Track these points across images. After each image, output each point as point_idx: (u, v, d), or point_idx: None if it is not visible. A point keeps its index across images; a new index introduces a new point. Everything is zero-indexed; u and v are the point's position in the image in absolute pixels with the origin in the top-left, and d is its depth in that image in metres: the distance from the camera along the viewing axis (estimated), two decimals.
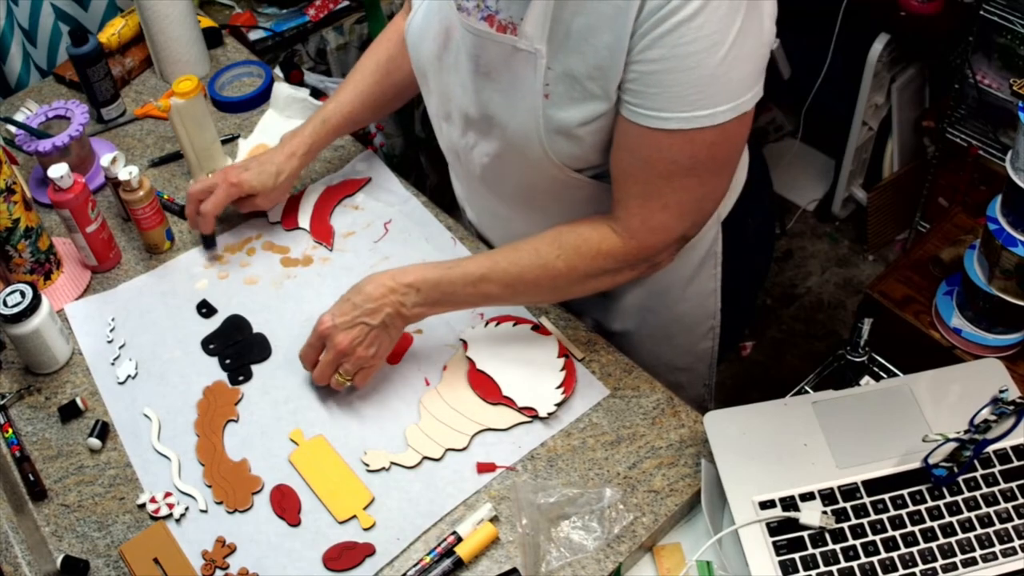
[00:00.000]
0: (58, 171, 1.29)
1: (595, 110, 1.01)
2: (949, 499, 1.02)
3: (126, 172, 1.34)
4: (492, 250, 1.15)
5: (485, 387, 1.20)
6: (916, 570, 0.97)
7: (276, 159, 1.35)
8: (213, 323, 1.32)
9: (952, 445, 1.03)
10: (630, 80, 0.97)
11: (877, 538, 1.00)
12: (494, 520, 1.09)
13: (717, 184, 1.06)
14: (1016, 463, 1.04)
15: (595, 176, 1.11)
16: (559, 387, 1.18)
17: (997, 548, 0.98)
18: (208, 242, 1.39)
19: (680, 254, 1.20)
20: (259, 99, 1.65)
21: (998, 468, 1.04)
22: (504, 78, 1.05)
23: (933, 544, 0.99)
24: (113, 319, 1.33)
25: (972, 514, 1.01)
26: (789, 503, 1.02)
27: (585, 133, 1.04)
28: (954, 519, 1.00)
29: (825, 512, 1.01)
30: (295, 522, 1.10)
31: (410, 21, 1.18)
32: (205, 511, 1.13)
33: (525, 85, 1.03)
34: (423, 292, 1.13)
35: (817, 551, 0.99)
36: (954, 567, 0.97)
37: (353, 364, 1.15)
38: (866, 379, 1.23)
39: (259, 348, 1.28)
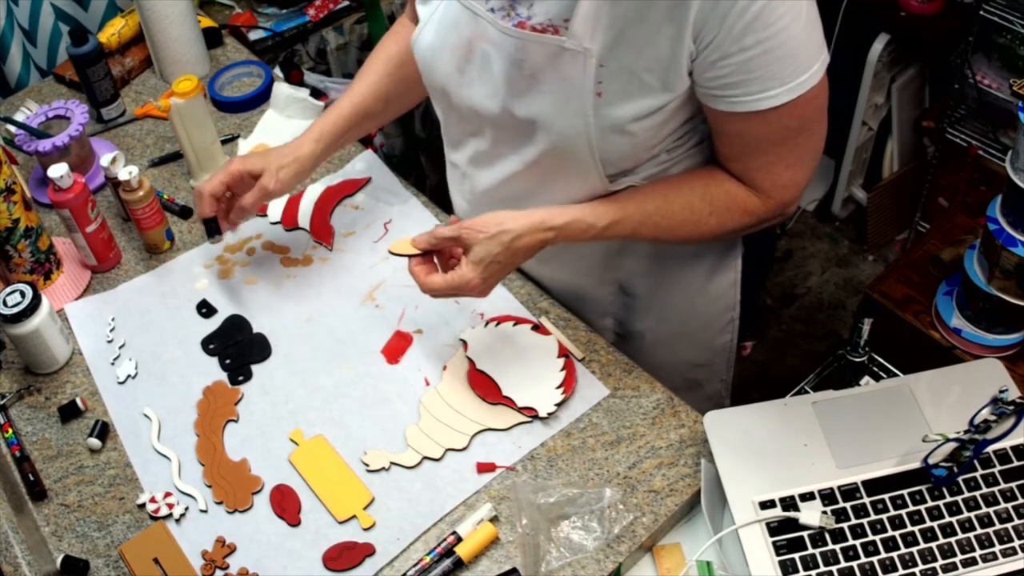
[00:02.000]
0: (58, 171, 1.29)
1: (651, 104, 1.02)
2: (949, 499, 1.02)
3: (126, 172, 1.34)
4: (637, 197, 1.10)
5: (485, 387, 1.20)
6: (916, 570, 0.97)
7: (285, 149, 1.27)
8: (213, 323, 1.32)
9: (952, 445, 1.03)
10: (725, 75, 0.97)
11: (877, 538, 1.00)
12: (494, 520, 1.09)
13: (823, 127, 1.08)
14: (1016, 463, 1.04)
15: (625, 179, 1.11)
16: (559, 387, 1.18)
17: (997, 548, 0.98)
18: (211, 228, 1.28)
19: (701, 247, 1.24)
20: (259, 99, 1.65)
21: (998, 468, 1.04)
22: (550, 79, 1.04)
23: (933, 544, 0.99)
24: (113, 319, 1.33)
25: (972, 514, 1.01)
26: (789, 503, 1.02)
27: (639, 129, 1.04)
28: (954, 519, 1.00)
29: (825, 512, 1.01)
30: (295, 522, 1.10)
31: (418, 38, 1.15)
32: (205, 511, 1.13)
33: (574, 85, 1.02)
34: (567, 242, 1.12)
35: (817, 551, 0.99)
36: (954, 567, 0.97)
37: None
38: (866, 379, 1.23)
39: (259, 348, 1.28)
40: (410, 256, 1.12)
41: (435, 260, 1.14)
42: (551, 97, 1.04)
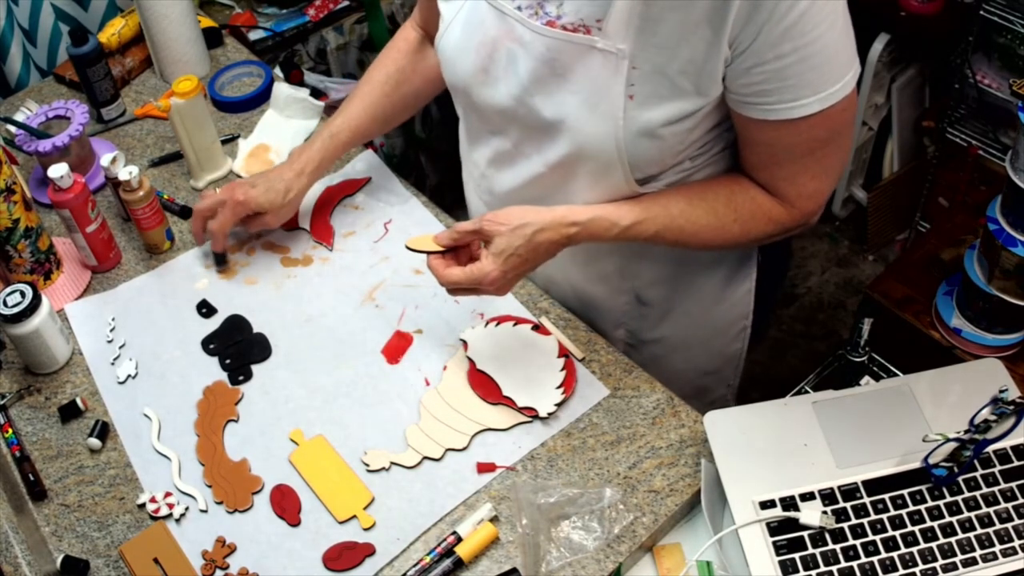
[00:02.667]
0: (58, 171, 1.29)
1: (683, 108, 1.01)
2: (949, 499, 1.02)
3: (126, 172, 1.34)
4: (661, 199, 1.09)
5: (485, 387, 1.20)
6: (916, 570, 0.97)
7: (285, 176, 1.32)
8: (213, 323, 1.32)
9: (952, 445, 1.03)
10: (759, 82, 0.97)
11: (877, 538, 1.00)
12: (494, 520, 1.09)
13: (850, 140, 1.08)
14: (1016, 463, 1.04)
15: (649, 185, 1.11)
16: (559, 387, 1.18)
17: (997, 548, 0.98)
18: (220, 259, 1.37)
19: (718, 255, 1.24)
20: (259, 99, 1.65)
21: (998, 468, 1.04)
22: (580, 80, 1.03)
23: (933, 544, 0.99)
24: (113, 319, 1.33)
25: (972, 514, 1.01)
26: (789, 503, 1.02)
27: (669, 133, 1.03)
28: (954, 519, 1.00)
29: (825, 512, 1.01)
30: (295, 522, 1.10)
31: (443, 38, 1.14)
32: (205, 511, 1.13)
33: (604, 86, 1.01)
34: (589, 241, 1.10)
35: (817, 551, 0.99)
36: (954, 567, 0.97)
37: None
38: (866, 379, 1.23)
39: (259, 348, 1.28)
40: (428, 252, 1.11)
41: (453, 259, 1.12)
42: (580, 98, 1.03)
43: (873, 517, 1.01)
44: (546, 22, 1.02)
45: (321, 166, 1.34)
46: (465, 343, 1.24)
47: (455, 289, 1.10)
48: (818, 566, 0.98)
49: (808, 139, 1.02)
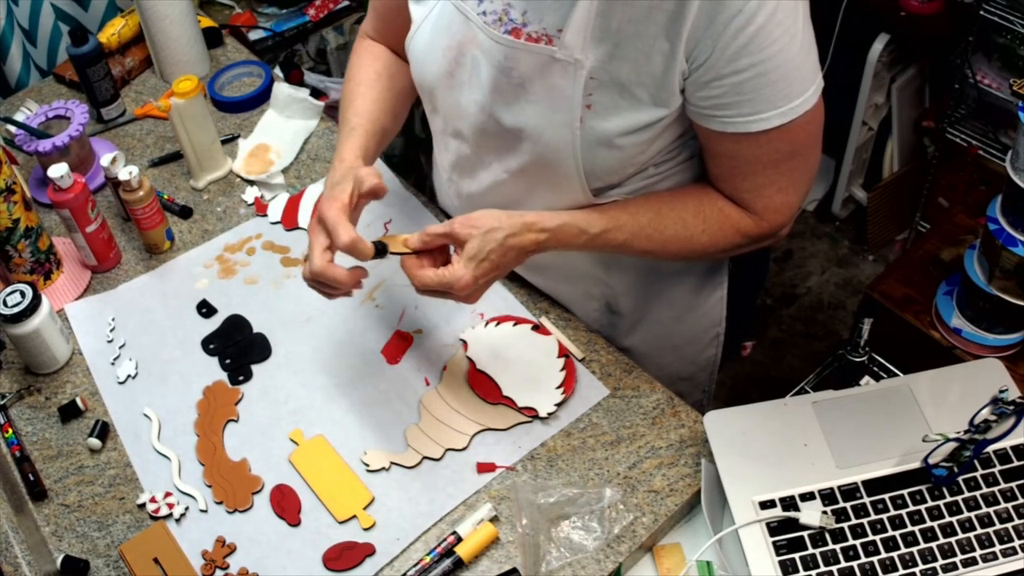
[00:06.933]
0: (58, 171, 1.29)
1: (641, 119, 1.01)
2: (949, 499, 1.02)
3: (126, 172, 1.34)
4: (630, 208, 1.09)
5: (485, 387, 1.20)
6: (916, 570, 0.97)
7: (339, 169, 1.13)
8: (213, 323, 1.32)
9: (952, 445, 1.03)
10: (718, 96, 0.97)
11: (877, 538, 1.00)
12: (494, 520, 1.09)
13: (817, 153, 1.07)
14: (1016, 463, 1.04)
15: (611, 192, 1.11)
16: (559, 387, 1.18)
17: (997, 548, 0.98)
18: (380, 250, 1.08)
19: (687, 265, 1.23)
20: (259, 99, 1.65)
21: (998, 468, 1.04)
22: (539, 89, 1.03)
23: (933, 544, 0.99)
24: (113, 319, 1.33)
25: (972, 514, 1.01)
26: (789, 503, 1.02)
27: (627, 143, 1.03)
28: (954, 519, 1.01)
29: (825, 512, 1.01)
30: (295, 522, 1.11)
31: (413, 39, 1.14)
32: (205, 511, 1.13)
33: (562, 96, 1.01)
34: (559, 249, 1.10)
35: (817, 551, 0.99)
36: (954, 567, 0.97)
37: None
38: (866, 379, 1.23)
39: (259, 348, 1.28)
40: (400, 254, 1.10)
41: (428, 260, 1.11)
42: (539, 107, 1.04)
43: (873, 517, 1.01)
44: (510, 30, 1.02)
45: (367, 151, 1.17)
46: (465, 343, 1.24)
47: (425, 292, 1.08)
48: (818, 566, 0.98)
49: (770, 152, 1.02)
